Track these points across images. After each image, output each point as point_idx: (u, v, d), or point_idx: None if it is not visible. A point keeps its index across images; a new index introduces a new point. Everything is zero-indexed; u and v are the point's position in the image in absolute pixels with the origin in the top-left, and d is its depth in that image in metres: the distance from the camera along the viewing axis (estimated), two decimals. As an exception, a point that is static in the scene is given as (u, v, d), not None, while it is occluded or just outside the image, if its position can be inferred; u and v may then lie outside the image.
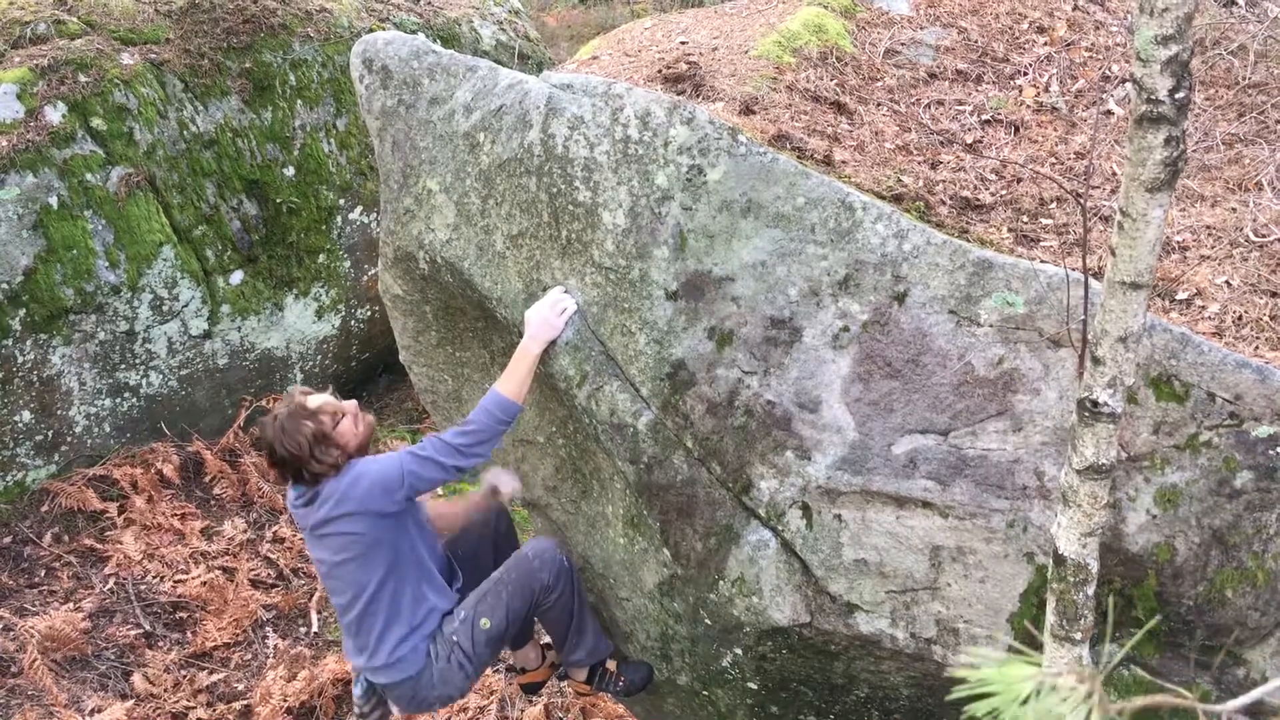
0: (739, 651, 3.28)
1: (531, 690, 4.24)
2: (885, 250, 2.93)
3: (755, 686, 3.38)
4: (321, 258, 7.09)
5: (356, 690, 3.66)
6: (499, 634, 3.48)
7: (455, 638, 3.43)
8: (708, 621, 3.29)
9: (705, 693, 3.56)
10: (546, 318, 3.26)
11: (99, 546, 5.83)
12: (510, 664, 4.45)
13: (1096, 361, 2.11)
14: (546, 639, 4.12)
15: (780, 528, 3.06)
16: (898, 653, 3.01)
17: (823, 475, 2.98)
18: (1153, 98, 1.81)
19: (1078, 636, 2.35)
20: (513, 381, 3.30)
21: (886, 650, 3.02)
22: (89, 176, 5.97)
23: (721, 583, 3.17)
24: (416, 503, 3.44)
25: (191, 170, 6.43)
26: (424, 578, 3.44)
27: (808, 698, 3.35)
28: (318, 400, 3.42)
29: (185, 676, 5.28)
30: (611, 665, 3.78)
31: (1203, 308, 2.88)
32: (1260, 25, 4.01)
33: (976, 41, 3.93)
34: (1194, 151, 3.50)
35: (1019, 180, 3.26)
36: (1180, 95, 1.79)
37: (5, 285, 5.71)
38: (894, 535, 2.94)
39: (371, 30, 7.03)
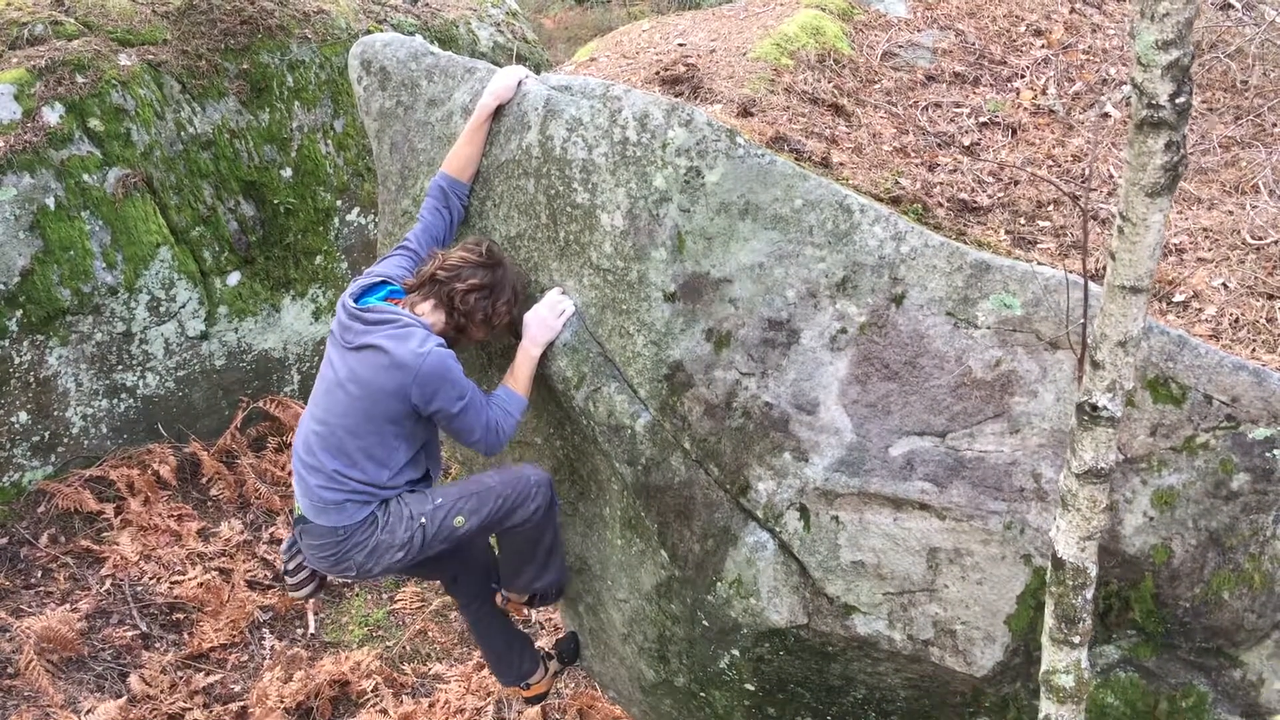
0: (736, 653, 3.29)
1: (536, 701, 4.24)
2: (883, 252, 2.93)
3: (753, 688, 3.38)
4: (319, 259, 7.09)
5: (285, 542, 3.59)
6: (463, 536, 3.43)
7: (423, 519, 3.35)
8: (705, 623, 3.30)
9: (703, 694, 3.56)
10: (545, 319, 3.27)
11: (96, 548, 5.83)
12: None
13: (1096, 365, 2.11)
14: (544, 645, 4.13)
15: (778, 529, 3.06)
16: (895, 654, 3.02)
17: (820, 477, 2.98)
18: (1153, 102, 1.81)
19: (1076, 640, 2.35)
20: (518, 383, 3.33)
21: (884, 652, 3.03)
22: (86, 177, 5.97)
23: (719, 584, 3.18)
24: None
25: (189, 171, 6.43)
26: (412, 454, 3.36)
27: (805, 699, 3.35)
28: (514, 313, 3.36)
29: (182, 678, 5.27)
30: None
31: (1200, 310, 2.89)
32: (1257, 29, 4.02)
33: (974, 44, 3.94)
34: (1191, 154, 3.51)
35: (1016, 182, 3.27)
36: (1181, 100, 1.80)
37: (2, 286, 5.70)
38: (891, 537, 2.95)
39: (369, 32, 7.03)
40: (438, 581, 4.23)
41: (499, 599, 3.93)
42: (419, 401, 3.20)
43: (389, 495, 3.34)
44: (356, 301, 3.34)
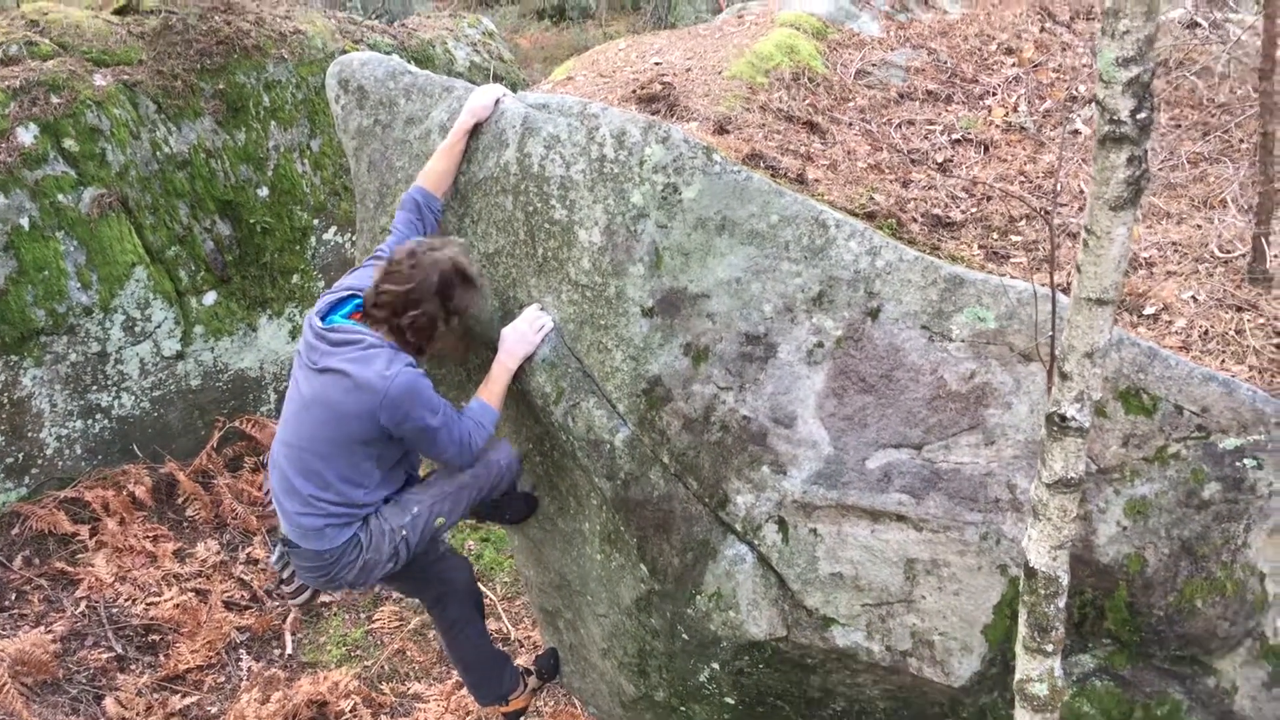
0: (716, 666, 3.30)
1: (514, 718, 4.23)
2: (858, 267, 2.96)
3: (733, 701, 3.39)
4: (295, 278, 7.08)
5: (273, 554, 3.57)
6: (444, 528, 3.48)
7: (404, 531, 3.35)
8: (685, 636, 3.30)
9: (683, 708, 3.57)
10: (524, 334, 3.28)
11: (70, 569, 5.78)
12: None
13: (1064, 377, 2.15)
14: (524, 663, 4.11)
15: (756, 542, 3.08)
16: (873, 665, 3.03)
17: (798, 489, 3.00)
18: (1115, 118, 1.85)
19: (1049, 648, 2.38)
20: (491, 396, 3.33)
21: (862, 663, 3.04)
22: (61, 197, 5.95)
23: (698, 597, 3.19)
24: None
25: (164, 191, 6.41)
26: (387, 470, 3.34)
27: (785, 712, 3.36)
28: (473, 293, 3.29)
29: (158, 700, 5.23)
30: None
31: (1170, 322, 2.93)
32: (1223, 46, 4.10)
33: (946, 63, 3.99)
34: (1160, 170, 3.57)
35: (989, 198, 3.31)
36: (1142, 115, 1.84)
37: (-24, 306, 5.67)
38: (869, 549, 2.97)
39: (346, 52, 7.05)
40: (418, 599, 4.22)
41: None
42: (389, 424, 3.15)
43: (368, 512, 3.33)
44: (323, 319, 3.30)
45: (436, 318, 3.21)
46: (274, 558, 3.57)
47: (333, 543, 3.29)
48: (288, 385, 6.63)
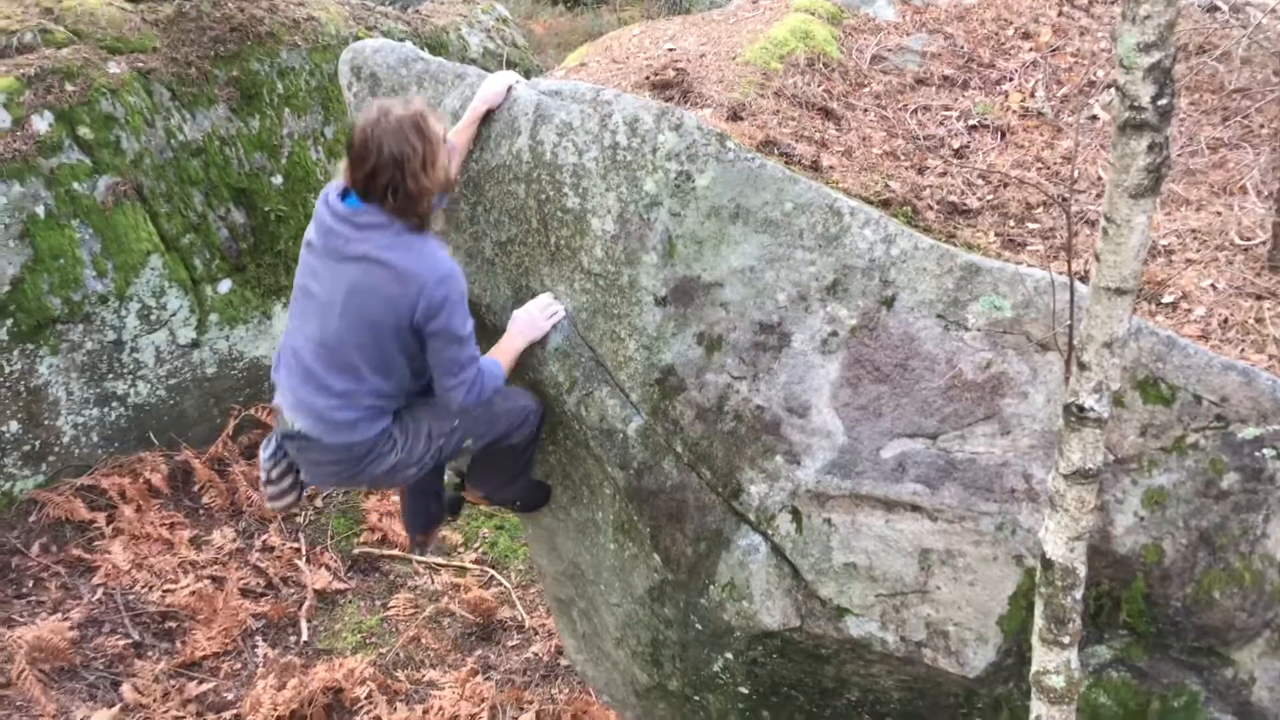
0: (730, 656, 3.29)
1: (415, 548, 4.20)
2: (873, 255, 2.94)
3: (746, 691, 3.38)
4: (310, 265, 7.08)
5: (265, 451, 3.37)
6: (465, 453, 3.43)
7: (441, 441, 3.25)
8: (698, 626, 3.30)
9: (696, 698, 3.56)
10: (534, 318, 3.26)
11: (87, 556, 5.81)
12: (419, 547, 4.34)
13: (1082, 366, 2.12)
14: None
15: (770, 532, 3.07)
16: (888, 656, 3.02)
17: (812, 479, 2.99)
18: (1136, 104, 1.82)
19: (1066, 640, 2.36)
20: (501, 360, 3.24)
21: (876, 654, 3.03)
22: (76, 185, 5.96)
23: (712, 587, 3.18)
24: None
25: (179, 179, 6.42)
26: (410, 378, 3.16)
27: (799, 702, 3.35)
28: (438, 126, 3.00)
29: (174, 686, 5.26)
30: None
31: (1188, 311, 2.90)
32: (1243, 31, 4.04)
33: (963, 47, 3.95)
34: (1179, 156, 3.52)
35: (1005, 185, 3.28)
36: (1163, 102, 1.81)
37: (-8, 295, 5.69)
38: (883, 539, 2.95)
39: (359, 38, 7.03)
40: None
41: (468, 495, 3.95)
42: (422, 316, 2.95)
43: (399, 406, 3.20)
44: (343, 200, 3.04)
45: (420, 176, 2.95)
46: (266, 453, 3.37)
47: (365, 434, 3.13)
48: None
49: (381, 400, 3.14)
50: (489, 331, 3.56)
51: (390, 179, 2.90)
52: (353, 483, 3.39)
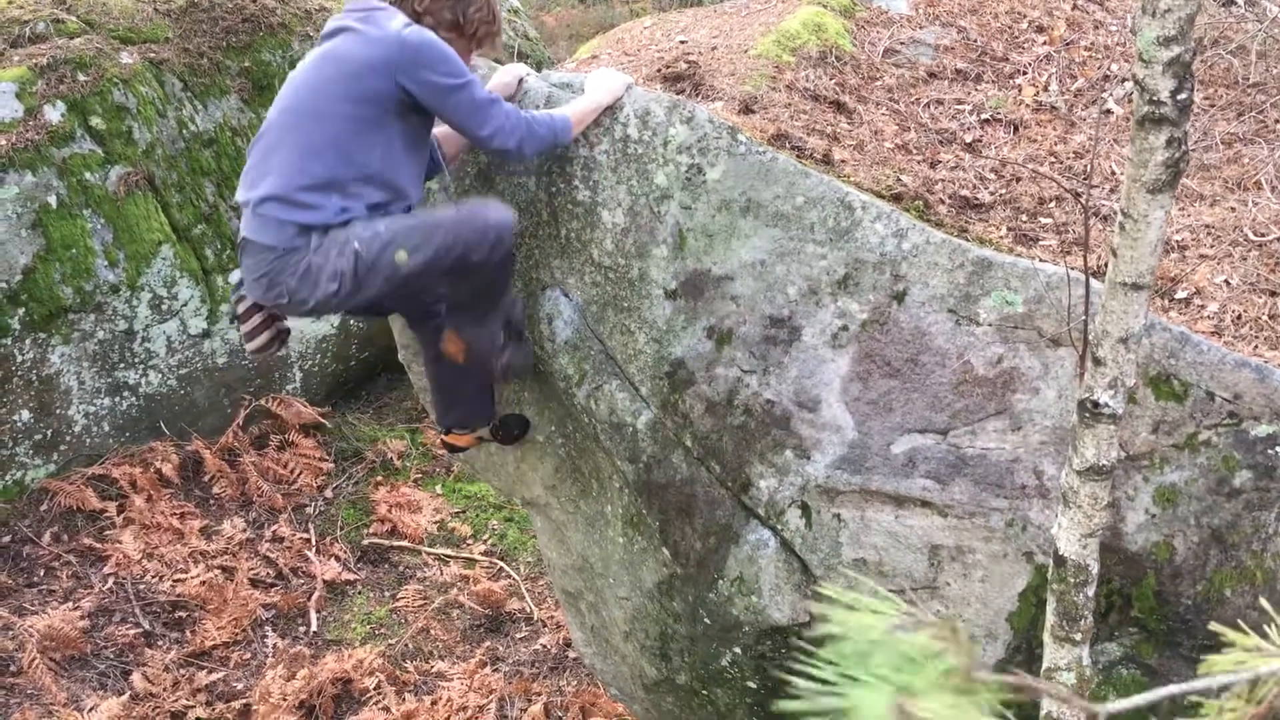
0: (738, 651, 3.29)
1: (450, 450, 3.88)
2: (884, 249, 2.93)
3: (754, 685, 3.38)
4: (320, 257, 7.08)
5: (234, 285, 3.21)
6: (406, 275, 2.93)
7: (357, 245, 2.88)
8: (707, 621, 3.29)
9: (704, 692, 3.56)
10: (611, 80, 3.14)
11: (98, 546, 5.83)
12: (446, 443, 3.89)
13: (1097, 362, 2.11)
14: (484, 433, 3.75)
15: (779, 527, 3.06)
16: (897, 652, 3.01)
17: (822, 474, 2.98)
18: (1155, 99, 1.81)
19: (1078, 637, 2.35)
20: (571, 113, 3.06)
21: (886, 649, 3.02)
22: (88, 175, 5.97)
23: (721, 582, 3.17)
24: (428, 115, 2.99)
25: (191, 169, 6.42)
26: (374, 172, 2.93)
27: (807, 697, 3.35)
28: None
29: (184, 675, 5.28)
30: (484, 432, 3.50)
31: (1202, 306, 2.88)
32: (1259, 25, 4.01)
33: (976, 41, 3.93)
34: (1193, 150, 3.50)
35: (1018, 179, 3.26)
36: (1182, 97, 1.79)
37: (4, 284, 5.70)
38: (893, 534, 2.94)
39: (370, 29, 7.01)
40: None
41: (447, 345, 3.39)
42: (405, 76, 2.81)
43: (339, 209, 2.92)
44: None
45: (463, 17, 3.02)
46: (234, 286, 3.21)
47: (285, 238, 2.90)
48: (313, 364, 6.60)
49: (322, 194, 2.90)
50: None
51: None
52: (273, 295, 3.00)
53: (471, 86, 2.90)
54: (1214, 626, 1.12)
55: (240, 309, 3.22)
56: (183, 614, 5.64)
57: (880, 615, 0.91)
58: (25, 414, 5.90)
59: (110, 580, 5.69)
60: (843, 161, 3.12)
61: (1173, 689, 0.99)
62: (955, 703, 0.84)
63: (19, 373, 5.83)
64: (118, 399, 6.26)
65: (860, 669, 0.87)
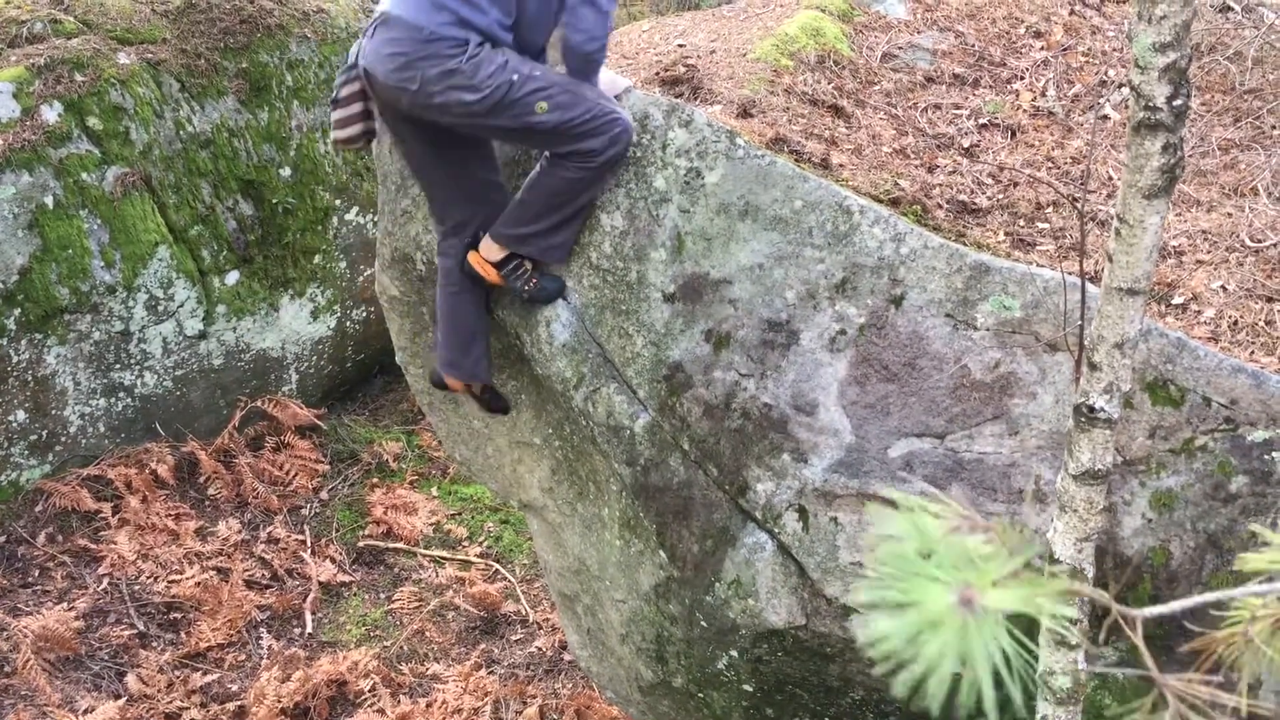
0: (735, 654, 3.29)
1: (437, 385, 3.74)
2: (882, 253, 2.93)
3: (751, 689, 3.38)
4: (317, 258, 7.08)
5: (341, 68, 3.19)
6: (525, 126, 2.99)
7: (514, 75, 2.94)
8: (703, 624, 3.30)
9: (701, 695, 3.56)
10: (613, 80, 3.19)
11: (93, 546, 5.82)
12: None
13: (1093, 367, 2.11)
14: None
15: (777, 530, 3.06)
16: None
17: (819, 478, 2.98)
18: (1150, 105, 1.81)
19: (1073, 641, 2.35)
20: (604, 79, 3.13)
21: (882, 653, 3.02)
22: (85, 176, 5.96)
23: (717, 585, 3.18)
24: None
25: (187, 170, 6.42)
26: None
27: (803, 700, 3.35)
28: None
29: (179, 677, 5.27)
30: (529, 266, 3.35)
31: (1198, 312, 2.89)
32: (1256, 31, 4.03)
33: (973, 46, 3.94)
34: (1190, 156, 3.51)
35: (1015, 184, 3.27)
36: (1178, 103, 1.80)
37: (0, 284, 5.70)
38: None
39: (368, 31, 7.01)
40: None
41: (473, 257, 3.35)
42: None
43: (495, 25, 2.97)
44: None
45: None
46: (341, 70, 3.17)
47: (438, 23, 2.91)
48: (310, 366, 6.57)
49: (473, 13, 2.93)
50: (498, 328, 3.56)
51: None
52: (401, 78, 2.99)
53: None
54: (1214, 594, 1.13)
55: (344, 93, 3.17)
56: (177, 615, 5.63)
57: (939, 519, 0.94)
58: (20, 414, 5.89)
59: (105, 581, 5.68)
60: (841, 166, 3.13)
61: (1208, 596, 1.02)
62: (1023, 595, 0.87)
63: (14, 373, 5.82)
64: (113, 400, 6.25)
65: (918, 570, 0.90)
